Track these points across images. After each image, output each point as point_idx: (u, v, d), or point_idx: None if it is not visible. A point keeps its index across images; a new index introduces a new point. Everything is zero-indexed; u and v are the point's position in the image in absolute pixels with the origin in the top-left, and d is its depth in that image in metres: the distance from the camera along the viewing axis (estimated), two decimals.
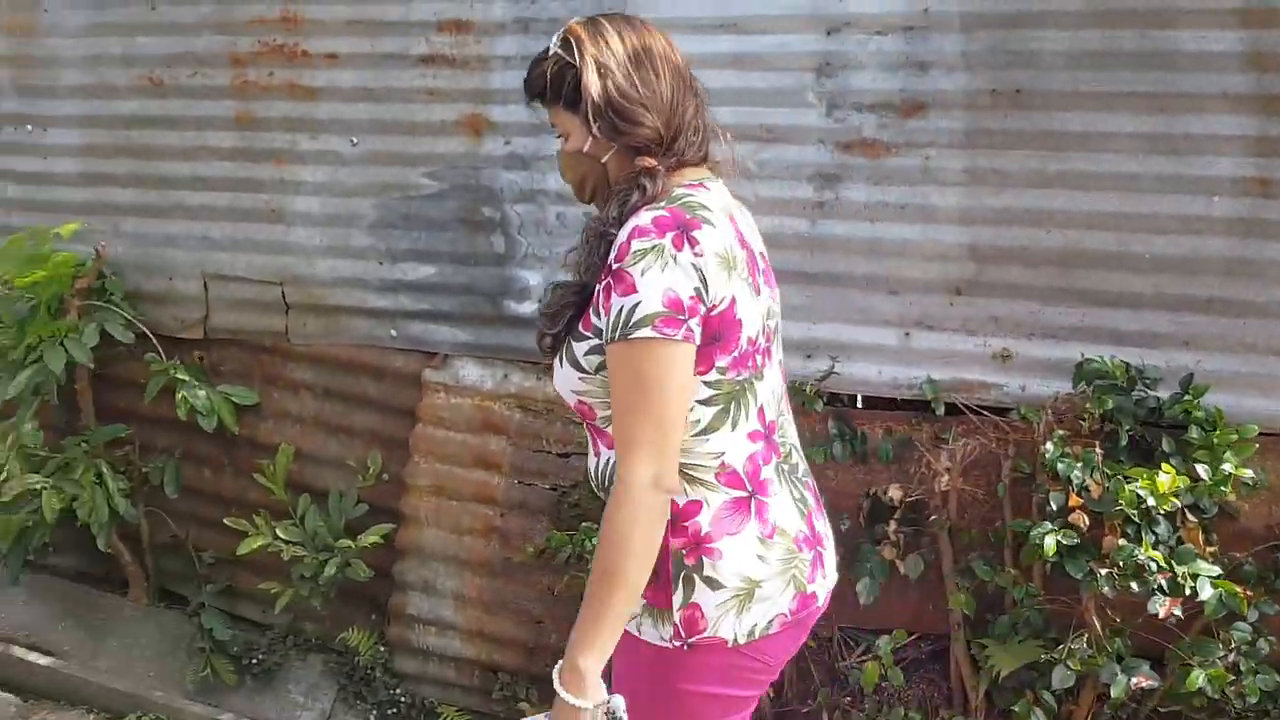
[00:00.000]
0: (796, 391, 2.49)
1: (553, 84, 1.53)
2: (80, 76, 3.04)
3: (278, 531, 2.89)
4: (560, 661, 1.42)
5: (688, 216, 1.45)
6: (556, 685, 1.41)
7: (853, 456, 2.52)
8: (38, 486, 2.81)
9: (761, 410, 1.56)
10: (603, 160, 1.53)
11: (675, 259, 1.41)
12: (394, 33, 2.76)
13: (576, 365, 1.51)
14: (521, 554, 2.76)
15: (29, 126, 3.12)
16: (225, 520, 2.91)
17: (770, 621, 1.53)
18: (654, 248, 1.41)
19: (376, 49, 2.78)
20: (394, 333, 2.91)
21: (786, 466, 1.61)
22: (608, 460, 1.56)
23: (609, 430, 1.52)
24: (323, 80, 2.84)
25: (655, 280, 1.40)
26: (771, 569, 1.53)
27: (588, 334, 1.49)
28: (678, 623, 1.49)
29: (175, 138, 2.98)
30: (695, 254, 1.42)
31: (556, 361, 1.56)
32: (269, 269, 2.96)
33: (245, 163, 2.94)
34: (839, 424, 2.52)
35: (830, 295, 2.52)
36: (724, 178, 1.62)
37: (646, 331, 1.39)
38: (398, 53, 2.76)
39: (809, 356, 2.54)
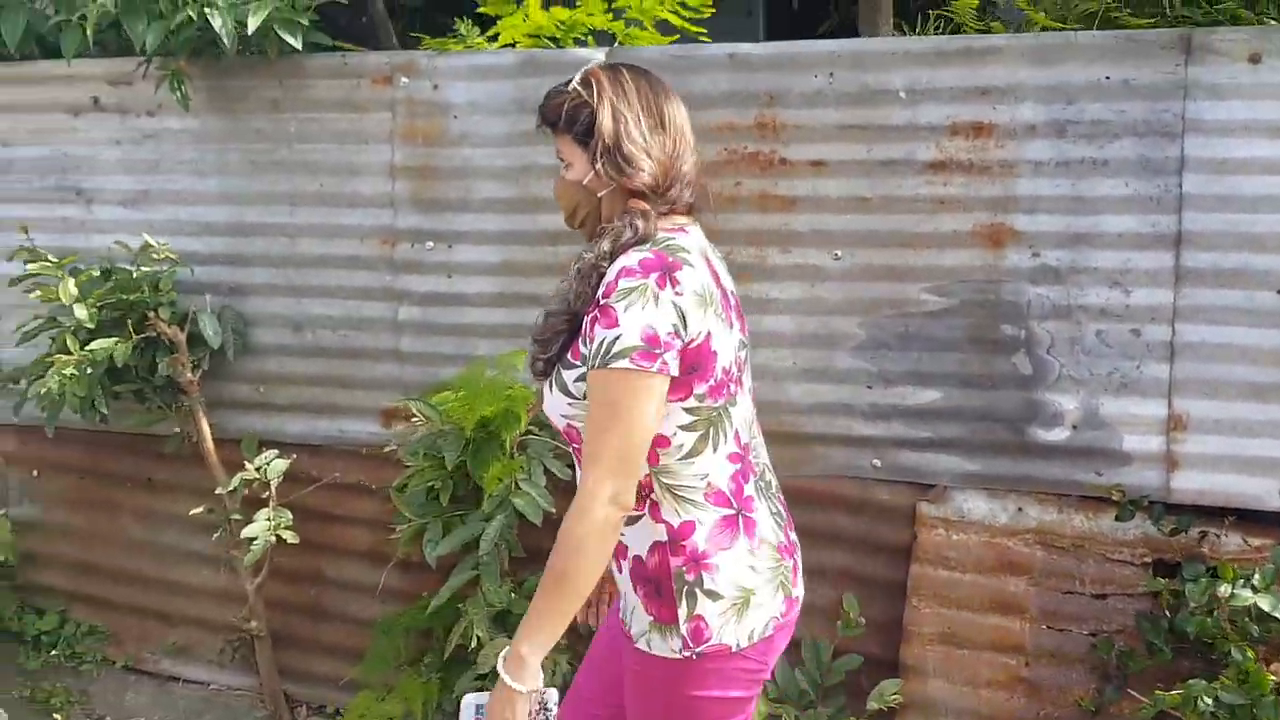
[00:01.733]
0: None
1: (568, 116, 1.66)
2: (498, 189, 2.76)
3: None
4: (505, 649, 1.58)
5: (670, 259, 1.58)
6: (499, 669, 1.57)
7: None
8: None
9: (737, 434, 1.70)
10: (599, 195, 1.66)
11: (657, 298, 1.54)
12: (897, 138, 2.52)
13: (566, 391, 1.63)
14: (1059, 707, 2.49)
15: (429, 243, 2.83)
16: None
17: (766, 625, 1.67)
18: (638, 287, 1.54)
19: (873, 155, 2.54)
20: (877, 462, 2.65)
21: (763, 484, 1.76)
22: None
23: None
24: (803, 189, 2.59)
25: (636, 317, 1.53)
26: (762, 577, 1.67)
27: (576, 362, 1.61)
28: (685, 634, 1.63)
29: None
30: (676, 293, 1.55)
31: (546, 387, 1.68)
32: None
33: None
34: None
35: None
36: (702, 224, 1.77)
37: (624, 363, 1.52)
38: (900, 159, 2.52)
39: None
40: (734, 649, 1.64)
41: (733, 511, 1.66)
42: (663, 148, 1.64)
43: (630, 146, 1.62)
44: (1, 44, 2.94)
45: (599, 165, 1.63)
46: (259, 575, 2.96)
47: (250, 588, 2.98)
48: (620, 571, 1.71)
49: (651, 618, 1.65)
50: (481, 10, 2.84)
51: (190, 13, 2.59)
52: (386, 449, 2.80)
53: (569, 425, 1.67)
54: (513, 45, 2.83)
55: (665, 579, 1.63)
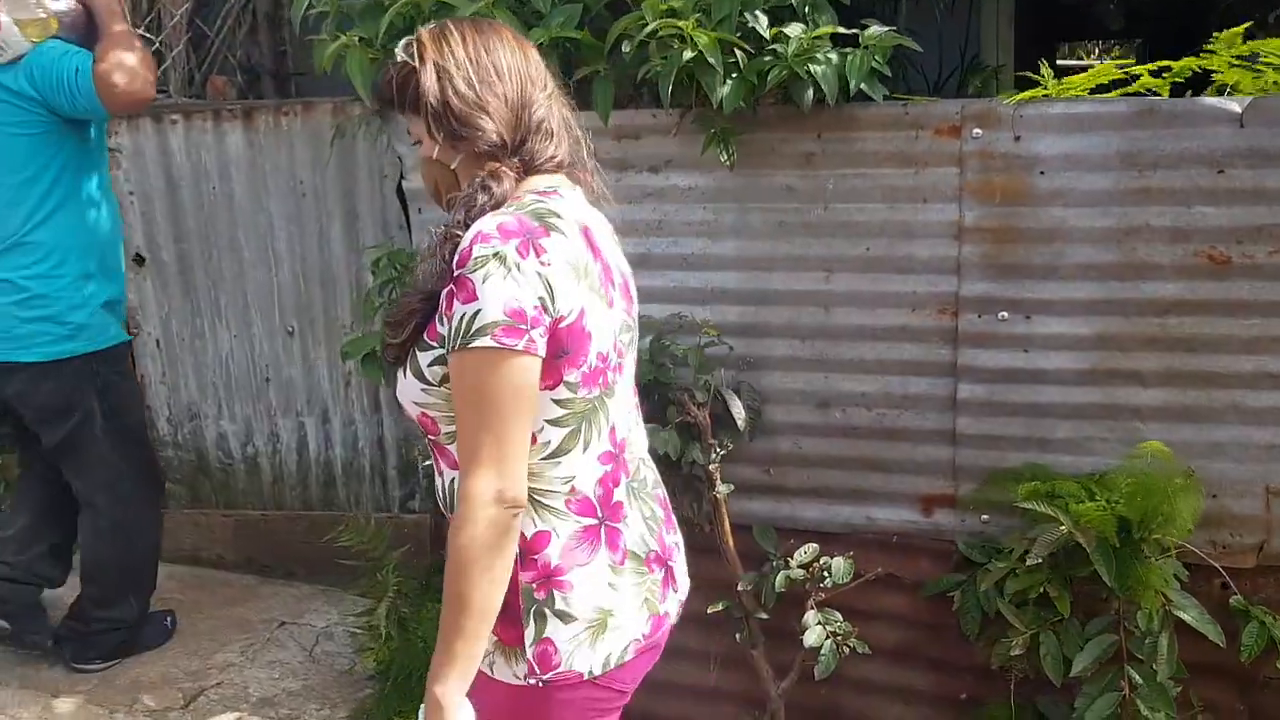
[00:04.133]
0: None
1: (399, 90, 1.51)
2: (1095, 253, 2.45)
3: None
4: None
5: (534, 224, 1.43)
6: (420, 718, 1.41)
7: None
8: None
9: (613, 429, 1.55)
10: (452, 166, 1.52)
11: (519, 266, 1.38)
12: None
13: (420, 376, 1.47)
14: None
15: (1003, 314, 2.53)
16: None
17: (625, 648, 1.53)
18: (496, 254, 1.38)
19: None
20: None
21: (636, 484, 1.61)
22: (453, 480, 1.51)
23: (452, 448, 1.48)
24: None
25: (496, 288, 1.37)
26: (624, 596, 1.53)
27: (433, 343, 1.45)
28: (531, 659, 1.48)
29: (1236, 326, 2.41)
30: (541, 262, 1.40)
31: (400, 372, 1.50)
32: None
33: None
34: None
35: None
36: (585, 188, 1.60)
37: (486, 340, 1.36)
38: None
39: None
40: (586, 676, 1.50)
41: (595, 521, 1.52)
42: (503, 98, 1.48)
43: (460, 105, 1.47)
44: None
45: (436, 133, 1.49)
46: (785, 680, 2.68)
47: (774, 692, 2.70)
48: None
49: (496, 638, 1.50)
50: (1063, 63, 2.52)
51: (795, 69, 2.27)
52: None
53: (423, 414, 1.50)
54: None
55: (512, 596, 1.46)
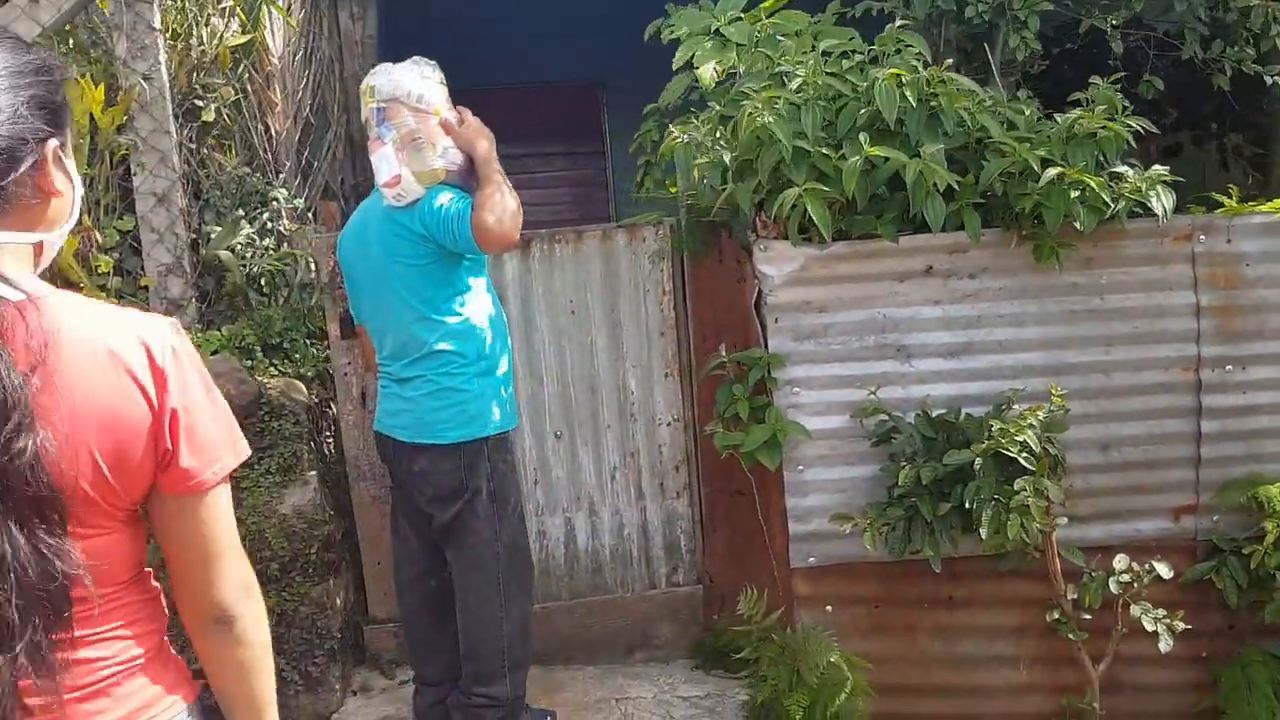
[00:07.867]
0: None
1: None
2: None
3: None
4: None
5: None
6: None
7: None
8: None
9: None
10: None
11: None
12: None
13: None
14: None
15: (1229, 367, 3.49)
16: None
17: None
18: None
19: None
20: None
21: None
22: None
23: None
24: None
25: None
26: None
27: None
28: None
29: None
30: None
31: None
32: None
33: None
34: None
35: None
36: None
37: None
38: None
39: None
40: None
41: None
42: None
43: None
44: (902, 222, 3.26)
45: None
46: (1102, 663, 3.46)
47: (1094, 675, 3.47)
48: None
49: None
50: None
51: (1142, 199, 3.12)
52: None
53: None
54: None
55: None
